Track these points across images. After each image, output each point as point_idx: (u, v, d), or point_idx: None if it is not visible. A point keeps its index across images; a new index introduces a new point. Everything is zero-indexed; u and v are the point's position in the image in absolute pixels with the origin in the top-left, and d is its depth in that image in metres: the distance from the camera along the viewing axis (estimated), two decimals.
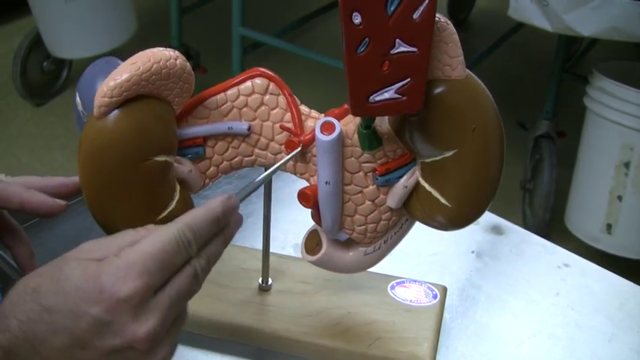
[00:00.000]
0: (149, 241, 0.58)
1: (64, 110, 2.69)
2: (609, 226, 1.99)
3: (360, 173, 0.71)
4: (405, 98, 0.64)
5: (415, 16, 0.60)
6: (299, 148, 0.71)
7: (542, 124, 2.23)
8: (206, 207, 0.61)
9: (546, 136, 2.21)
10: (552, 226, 2.20)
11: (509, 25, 2.52)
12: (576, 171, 2.07)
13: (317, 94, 2.57)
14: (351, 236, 0.75)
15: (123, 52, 2.35)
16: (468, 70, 0.67)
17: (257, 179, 0.68)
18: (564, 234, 2.10)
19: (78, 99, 0.70)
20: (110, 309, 0.55)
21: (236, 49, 2.41)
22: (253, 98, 0.71)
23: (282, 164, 0.71)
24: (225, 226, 0.62)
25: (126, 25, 2.61)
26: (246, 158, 0.72)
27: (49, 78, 2.72)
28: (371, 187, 0.72)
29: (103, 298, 0.55)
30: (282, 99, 0.71)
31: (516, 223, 1.06)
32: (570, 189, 2.10)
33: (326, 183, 0.70)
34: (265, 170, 0.72)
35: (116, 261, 0.56)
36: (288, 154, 0.71)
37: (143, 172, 0.65)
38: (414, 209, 0.73)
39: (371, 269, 0.79)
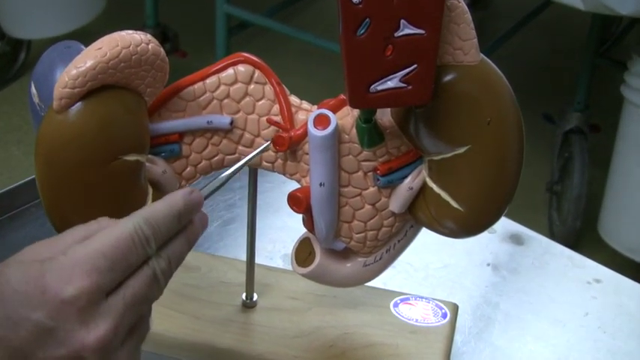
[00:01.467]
0: (100, 237, 0.58)
1: (22, 98, 2.69)
2: None
3: (359, 173, 0.72)
4: (410, 87, 0.64)
5: None
6: (268, 143, 0.71)
7: (572, 116, 2.23)
8: (166, 201, 0.61)
9: (577, 131, 2.22)
10: (583, 235, 2.20)
11: (534, 2, 2.52)
12: (612, 171, 2.08)
13: (312, 81, 2.58)
14: (348, 245, 0.75)
15: (89, 33, 2.35)
16: (482, 55, 0.68)
17: (224, 173, 0.67)
18: (597, 243, 2.10)
19: (34, 89, 0.71)
20: (54, 312, 0.55)
21: (220, 30, 2.41)
22: (236, 88, 0.71)
23: (250, 159, 0.70)
24: (188, 224, 0.62)
25: (93, 1, 2.62)
26: (229, 157, 0.73)
27: (3, 61, 2.72)
28: (371, 189, 0.73)
29: (46, 300, 0.55)
30: (269, 89, 0.72)
31: (541, 231, 1.07)
32: (605, 192, 2.10)
33: (320, 185, 0.71)
34: (249, 170, 0.73)
35: (62, 259, 0.56)
36: (276, 152, 0.72)
37: (110, 173, 0.65)
38: (420, 214, 0.73)
39: (371, 283, 0.79)
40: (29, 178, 0.99)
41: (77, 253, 0.57)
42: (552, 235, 2.19)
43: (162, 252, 0.60)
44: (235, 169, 0.68)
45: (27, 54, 2.76)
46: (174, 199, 0.61)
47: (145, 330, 0.61)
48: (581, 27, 2.31)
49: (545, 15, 2.60)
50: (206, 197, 0.64)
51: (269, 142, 0.71)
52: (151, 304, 0.60)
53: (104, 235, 0.58)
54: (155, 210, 0.60)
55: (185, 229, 0.62)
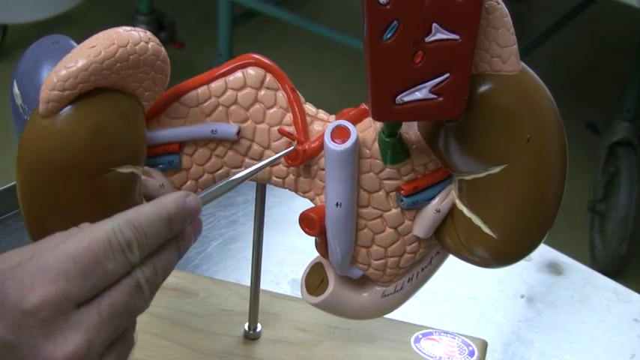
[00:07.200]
0: (72, 240, 0.57)
1: None
2: None
3: (381, 193, 0.72)
4: (442, 99, 0.65)
5: None
6: (292, 147, 0.71)
7: (619, 126, 2.23)
8: (155, 203, 0.60)
9: (625, 143, 2.22)
10: (629, 261, 2.20)
11: None
12: None
13: (326, 80, 2.58)
14: (365, 273, 0.76)
15: (73, 19, 2.35)
16: (522, 64, 0.68)
17: (232, 177, 0.68)
18: None
19: (16, 89, 0.71)
20: (14, 325, 0.55)
21: (223, 19, 2.41)
22: (245, 93, 0.72)
23: (272, 161, 0.71)
24: (179, 233, 0.62)
25: None
26: (235, 170, 0.73)
27: None
28: (393, 211, 0.73)
29: (6, 312, 0.55)
30: (281, 95, 0.72)
31: (581, 256, 1.07)
32: None
33: (336, 205, 0.71)
34: (257, 185, 0.73)
35: (26, 264, 0.56)
36: (288, 167, 0.72)
37: (101, 186, 0.66)
38: (447, 239, 0.74)
39: (389, 315, 0.80)
40: (8, 185, 1.00)
41: (44, 258, 0.56)
42: (594, 261, 2.18)
43: (147, 260, 0.59)
44: (248, 173, 0.68)
45: (2, 40, 2.77)
46: (165, 201, 0.60)
47: (128, 345, 0.60)
48: (633, 24, 2.31)
49: (590, 10, 2.60)
50: (205, 203, 0.64)
51: (291, 148, 0.71)
52: (134, 317, 0.60)
53: (77, 238, 0.57)
54: (141, 212, 0.59)
55: (176, 237, 0.61)
